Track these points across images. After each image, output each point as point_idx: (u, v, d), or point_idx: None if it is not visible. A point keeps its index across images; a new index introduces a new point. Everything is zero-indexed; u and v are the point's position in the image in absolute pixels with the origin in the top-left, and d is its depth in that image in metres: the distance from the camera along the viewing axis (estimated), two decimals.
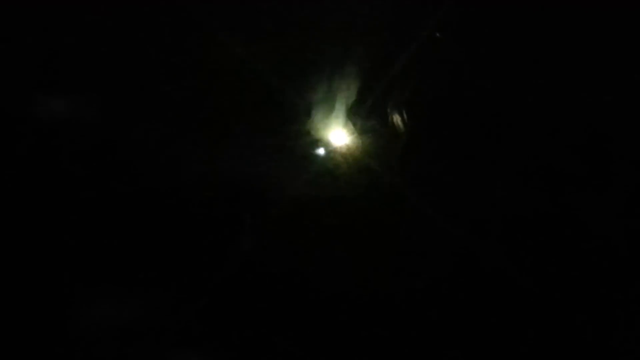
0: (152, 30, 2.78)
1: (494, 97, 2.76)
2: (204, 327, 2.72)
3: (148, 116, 2.80)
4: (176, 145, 2.78)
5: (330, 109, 2.82)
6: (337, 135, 2.84)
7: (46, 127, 2.80)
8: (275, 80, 2.78)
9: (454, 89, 2.77)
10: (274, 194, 2.77)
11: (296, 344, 2.68)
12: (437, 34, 2.70)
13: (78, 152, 2.79)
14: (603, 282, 2.69)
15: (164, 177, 2.77)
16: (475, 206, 2.73)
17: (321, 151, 2.84)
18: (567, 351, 2.66)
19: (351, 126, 2.82)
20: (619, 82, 2.76)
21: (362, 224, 2.75)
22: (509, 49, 2.77)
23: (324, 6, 2.76)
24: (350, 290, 2.71)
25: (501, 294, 2.68)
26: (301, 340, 2.69)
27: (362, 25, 2.77)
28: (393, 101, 2.80)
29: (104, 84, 2.81)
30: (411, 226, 2.74)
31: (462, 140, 2.78)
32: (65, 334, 2.67)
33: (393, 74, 2.78)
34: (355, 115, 2.82)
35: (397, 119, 2.80)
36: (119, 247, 2.73)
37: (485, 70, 2.78)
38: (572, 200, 2.75)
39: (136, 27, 2.78)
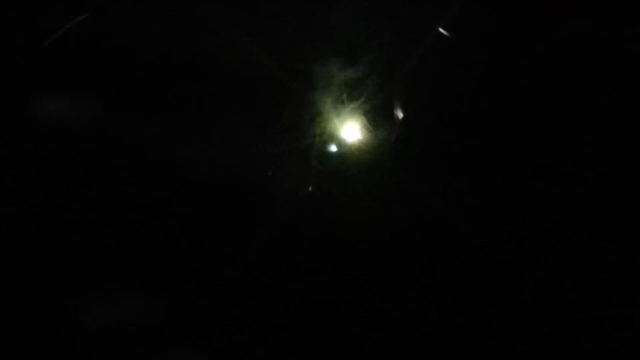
0: (153, 28, 2.78)
1: (503, 97, 2.77)
2: (204, 328, 2.72)
3: (151, 115, 2.79)
4: (182, 143, 2.78)
5: (342, 106, 2.81)
6: (349, 132, 2.83)
7: (45, 127, 2.79)
8: (286, 77, 2.77)
9: (463, 87, 2.78)
10: (284, 192, 2.77)
11: (300, 345, 2.68)
12: (447, 33, 2.70)
13: (78, 152, 2.79)
14: (603, 282, 2.69)
15: (166, 177, 2.77)
16: (485, 205, 2.74)
17: (333, 148, 2.83)
18: (567, 351, 2.66)
19: (362, 123, 2.82)
20: (621, 83, 2.76)
21: (373, 223, 2.75)
22: (515, 48, 2.77)
23: (334, 4, 2.76)
24: (359, 290, 2.71)
25: (507, 292, 2.69)
26: (305, 341, 2.69)
27: (373, 22, 2.77)
28: (405, 98, 2.80)
29: (104, 83, 2.81)
30: (422, 224, 2.74)
31: (471, 139, 2.78)
32: (66, 334, 2.67)
33: (405, 71, 2.78)
34: (366, 112, 2.82)
35: (408, 116, 2.80)
36: (119, 248, 2.72)
37: (493, 69, 2.78)
38: (572, 199, 2.76)
39: (137, 24, 2.78)
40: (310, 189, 2.79)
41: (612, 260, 2.69)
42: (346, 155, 2.85)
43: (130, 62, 2.79)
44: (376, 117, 2.84)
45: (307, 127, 2.82)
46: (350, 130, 2.85)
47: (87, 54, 2.79)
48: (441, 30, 2.74)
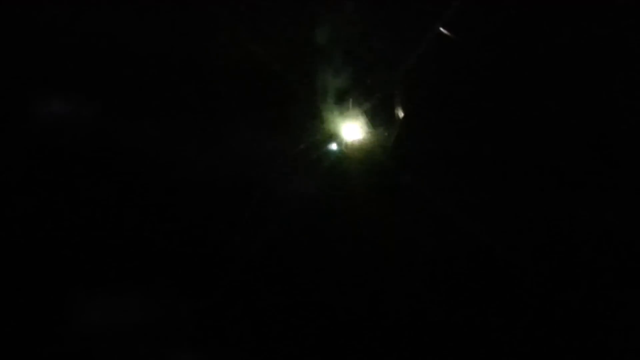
0: (154, 28, 2.78)
1: (503, 97, 2.78)
2: (204, 327, 2.71)
3: (153, 115, 2.79)
4: (184, 143, 2.78)
5: (343, 104, 2.82)
6: (350, 131, 2.83)
7: (46, 127, 2.79)
8: (287, 77, 2.78)
9: (463, 87, 2.78)
10: (284, 192, 2.77)
11: (301, 345, 2.68)
12: (447, 33, 2.71)
13: (78, 151, 2.78)
14: (604, 282, 2.69)
15: (168, 177, 2.76)
16: (485, 205, 2.74)
17: (334, 148, 2.83)
18: (567, 350, 2.66)
19: (363, 121, 2.82)
20: (621, 83, 2.77)
21: (374, 222, 2.75)
22: (515, 48, 2.78)
23: (336, 5, 2.76)
24: (360, 289, 2.71)
25: (507, 291, 2.69)
26: (305, 340, 2.69)
27: (375, 22, 2.78)
28: (405, 98, 2.80)
29: (105, 83, 2.80)
30: (422, 224, 2.75)
31: (470, 138, 2.79)
32: (67, 333, 2.66)
33: (405, 71, 2.79)
34: (367, 110, 2.82)
35: (408, 116, 2.81)
36: (119, 247, 2.72)
37: (493, 69, 2.79)
38: (573, 199, 2.76)
39: (138, 24, 2.78)
40: (311, 188, 2.79)
41: (613, 260, 2.69)
42: (347, 154, 2.85)
43: (133, 62, 2.79)
44: (376, 117, 2.84)
45: (308, 127, 2.83)
46: (350, 130, 2.85)
47: (88, 54, 2.79)
48: (441, 30, 2.74)
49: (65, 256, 2.70)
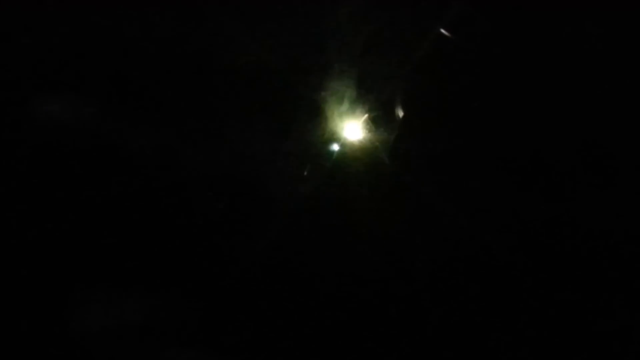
0: (154, 26, 2.77)
1: (504, 97, 2.78)
2: (204, 327, 2.72)
3: (151, 115, 2.79)
4: (182, 143, 2.78)
5: (344, 104, 2.82)
6: (350, 131, 2.83)
7: (46, 127, 2.79)
8: (286, 77, 2.77)
9: (464, 87, 2.78)
10: (285, 192, 2.77)
11: (301, 345, 2.68)
12: (447, 33, 2.71)
13: (78, 151, 2.78)
14: (604, 283, 2.69)
15: (167, 177, 2.77)
16: (485, 205, 2.74)
17: (334, 147, 2.83)
18: (567, 351, 2.66)
19: (363, 123, 2.82)
20: (620, 84, 2.77)
21: (374, 223, 2.76)
22: (516, 48, 2.78)
23: (335, 5, 2.76)
24: (359, 290, 2.72)
25: (507, 292, 2.70)
26: (305, 341, 2.69)
27: (375, 22, 2.77)
28: (405, 98, 2.80)
29: (105, 83, 2.80)
30: (423, 224, 2.75)
31: (471, 139, 2.79)
32: (66, 334, 2.67)
33: (405, 71, 2.79)
34: (367, 112, 2.82)
35: (408, 116, 2.81)
36: (119, 248, 2.72)
37: (494, 69, 2.79)
38: (572, 199, 2.76)
39: (138, 22, 2.78)
40: (311, 188, 2.80)
41: (613, 260, 2.70)
42: (347, 155, 2.85)
43: (133, 62, 2.79)
44: (376, 117, 2.84)
45: (308, 127, 2.83)
46: (350, 130, 2.85)
47: (88, 53, 2.79)
48: (442, 30, 2.74)
49: (65, 256, 2.71)
